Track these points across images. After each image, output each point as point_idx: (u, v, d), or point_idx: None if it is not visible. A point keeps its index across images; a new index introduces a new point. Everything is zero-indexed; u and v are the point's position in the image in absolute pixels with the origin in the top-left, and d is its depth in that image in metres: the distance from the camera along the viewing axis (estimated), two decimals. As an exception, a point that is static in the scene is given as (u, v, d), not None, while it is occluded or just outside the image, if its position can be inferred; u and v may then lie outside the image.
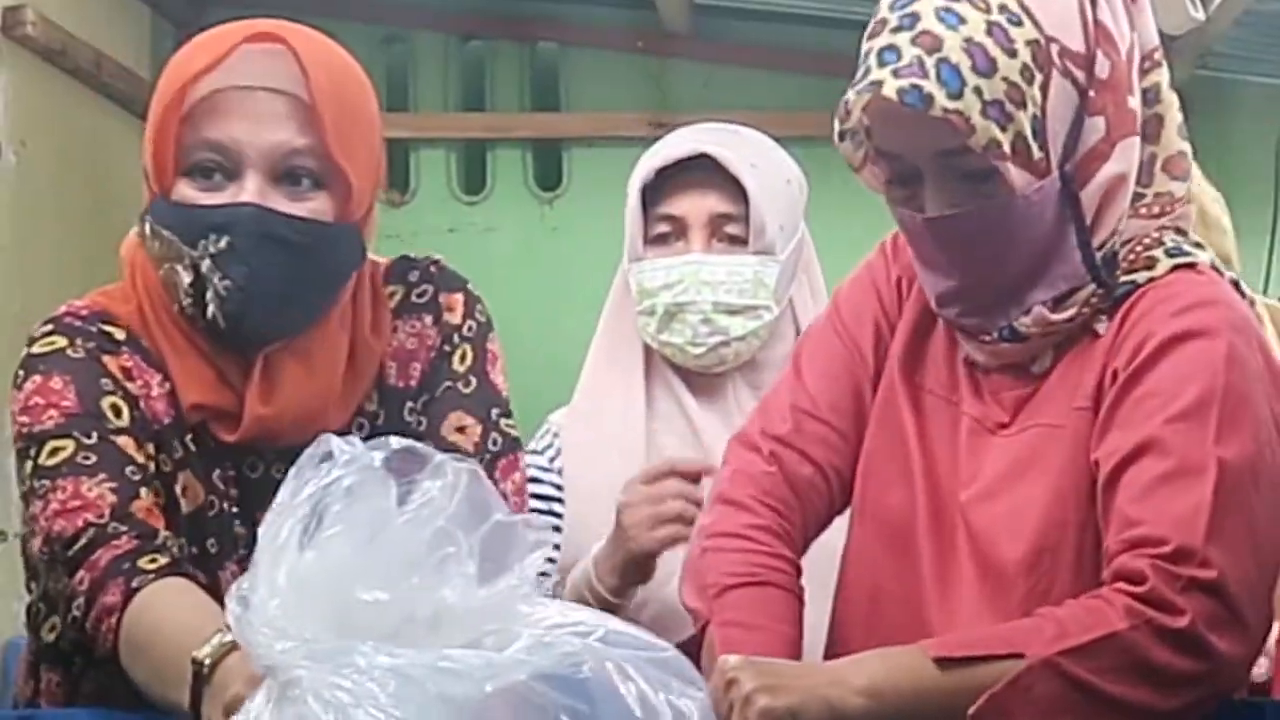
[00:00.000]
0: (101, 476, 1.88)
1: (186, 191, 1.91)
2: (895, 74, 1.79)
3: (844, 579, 2.02)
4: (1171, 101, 1.92)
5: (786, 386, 2.10)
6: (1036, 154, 1.82)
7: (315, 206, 1.92)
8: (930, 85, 1.78)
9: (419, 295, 2.06)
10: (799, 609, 1.99)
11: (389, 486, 1.55)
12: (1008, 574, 1.86)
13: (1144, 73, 1.89)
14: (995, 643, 1.76)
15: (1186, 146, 1.93)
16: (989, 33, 1.80)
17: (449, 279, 2.09)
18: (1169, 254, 1.89)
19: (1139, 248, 1.88)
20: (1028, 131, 1.81)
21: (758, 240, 2.45)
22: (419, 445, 1.58)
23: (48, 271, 4.30)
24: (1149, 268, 1.87)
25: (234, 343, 1.93)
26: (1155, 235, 1.89)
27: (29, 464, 1.91)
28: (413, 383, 2.04)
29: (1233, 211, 2.92)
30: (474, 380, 2.05)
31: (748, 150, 2.50)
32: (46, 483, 1.88)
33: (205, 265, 1.90)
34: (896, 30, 1.82)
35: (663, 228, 2.49)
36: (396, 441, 1.56)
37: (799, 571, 2.01)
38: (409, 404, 2.03)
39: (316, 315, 1.95)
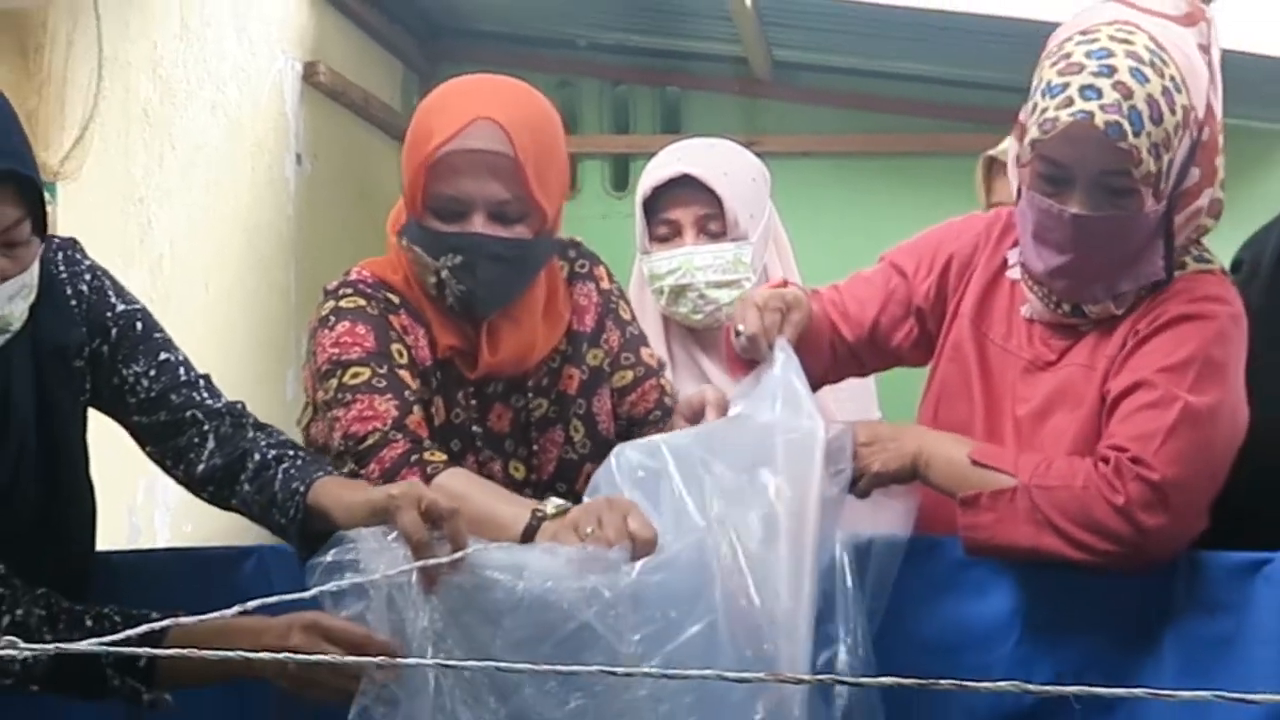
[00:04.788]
0: (389, 396, 2.04)
1: (432, 222, 2.08)
2: (1102, 109, 1.89)
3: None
4: (1221, 163, 2.04)
5: None
6: (1164, 186, 1.95)
7: (519, 230, 2.09)
8: (1125, 123, 1.89)
9: (580, 267, 2.29)
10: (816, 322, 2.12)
11: None
12: None
13: None
14: (1009, 462, 1.98)
15: (1223, 195, 2.06)
16: (1163, 94, 1.91)
17: (590, 254, 2.32)
18: (1195, 259, 2.05)
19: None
20: (1165, 170, 1.94)
21: (733, 231, 2.67)
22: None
23: (329, 249, 4.67)
24: (1180, 268, 2.03)
25: (464, 317, 2.15)
26: (1185, 247, 2.05)
27: (334, 380, 2.06)
28: (586, 329, 2.26)
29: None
30: (635, 325, 2.34)
31: (719, 161, 2.70)
32: (348, 395, 2.04)
33: (445, 274, 2.09)
34: (1096, 75, 1.91)
35: (662, 230, 2.68)
36: None
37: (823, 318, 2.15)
38: (585, 344, 2.26)
39: (521, 293, 2.15)
